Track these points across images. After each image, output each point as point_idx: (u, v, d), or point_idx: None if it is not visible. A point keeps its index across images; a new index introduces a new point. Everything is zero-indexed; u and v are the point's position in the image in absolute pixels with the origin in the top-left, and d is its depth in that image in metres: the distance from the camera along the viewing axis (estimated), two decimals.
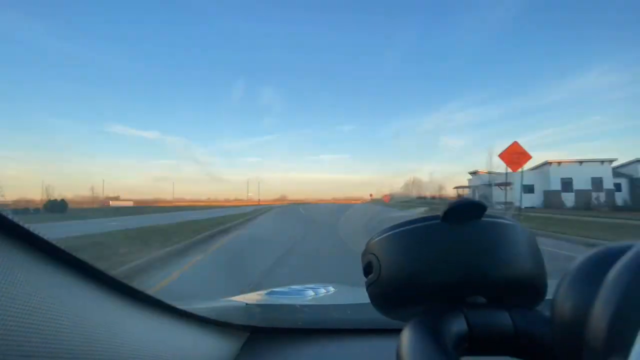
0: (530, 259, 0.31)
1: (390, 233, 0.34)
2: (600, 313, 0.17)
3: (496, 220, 0.32)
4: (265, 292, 1.00)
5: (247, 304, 0.73)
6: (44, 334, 0.25)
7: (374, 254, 0.34)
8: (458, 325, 0.27)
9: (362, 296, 0.76)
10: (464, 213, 0.31)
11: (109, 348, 0.32)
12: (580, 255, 0.23)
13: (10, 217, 0.25)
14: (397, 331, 0.28)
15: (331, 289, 1.03)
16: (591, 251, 0.22)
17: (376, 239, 0.35)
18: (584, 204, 23.59)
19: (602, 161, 25.33)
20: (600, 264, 0.20)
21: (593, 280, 0.20)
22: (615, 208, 22.06)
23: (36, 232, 0.27)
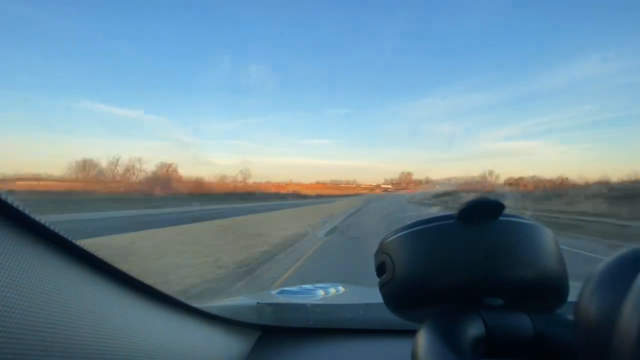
0: (550, 260, 0.30)
1: (404, 233, 0.33)
2: (629, 317, 0.17)
3: (515, 219, 0.31)
4: (276, 291, 1.00)
5: (258, 302, 0.74)
6: (62, 331, 0.26)
7: (388, 254, 0.33)
8: (475, 328, 0.26)
9: (372, 296, 0.76)
10: (481, 212, 0.30)
11: (125, 345, 0.32)
12: (607, 257, 0.22)
13: (27, 212, 0.25)
14: (411, 332, 0.27)
15: (341, 288, 1.02)
16: (618, 253, 0.21)
17: (390, 239, 0.34)
18: None
19: None
20: (629, 266, 0.20)
21: (621, 283, 0.19)
22: None
23: (56, 229, 0.28)
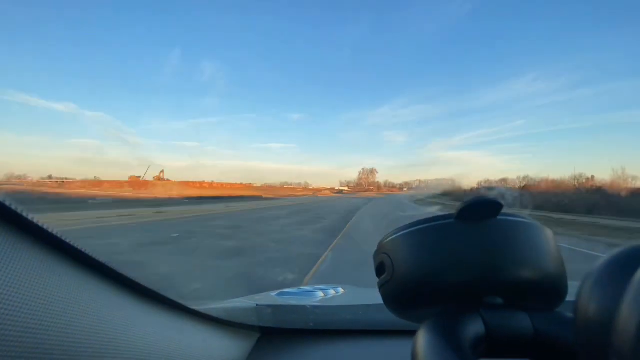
0: (549, 258, 0.30)
1: (403, 232, 0.33)
2: (628, 315, 0.17)
3: (514, 218, 0.31)
4: (275, 293, 1.00)
5: (257, 304, 0.73)
6: (61, 333, 0.26)
7: (387, 254, 0.33)
8: (475, 327, 0.26)
9: (372, 297, 0.76)
10: (480, 211, 0.30)
11: (124, 347, 0.32)
12: (605, 255, 0.22)
13: (30, 217, 0.25)
14: (411, 332, 0.27)
15: (340, 290, 1.02)
16: (616, 251, 0.21)
17: (389, 239, 0.34)
18: None
19: None
20: (627, 263, 0.20)
21: (619, 281, 0.19)
22: None
23: (54, 231, 0.27)
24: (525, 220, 0.31)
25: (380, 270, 0.34)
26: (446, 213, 0.32)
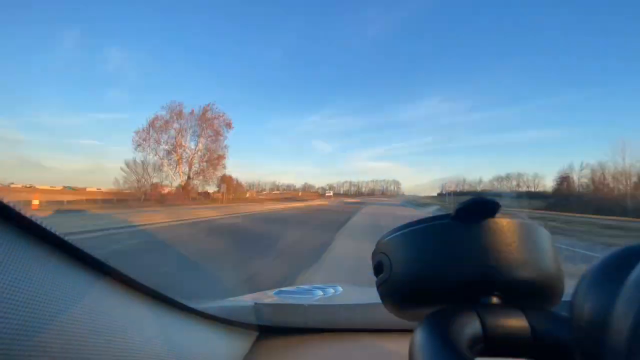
0: (546, 258, 0.31)
1: (401, 232, 0.33)
2: (622, 314, 0.17)
3: (511, 219, 0.31)
4: (273, 291, 1.00)
5: (256, 303, 0.73)
6: (60, 332, 0.26)
7: (385, 254, 0.34)
8: (472, 326, 0.27)
9: (371, 296, 0.76)
10: (478, 211, 0.30)
11: (122, 345, 0.32)
12: (600, 255, 0.22)
13: (23, 211, 0.25)
14: (409, 331, 0.27)
15: (339, 288, 1.03)
16: (611, 251, 0.22)
17: (387, 238, 0.34)
18: None
19: None
20: (622, 264, 0.20)
21: (614, 281, 0.19)
22: None
23: (52, 229, 0.27)
24: (523, 221, 0.31)
25: (378, 269, 0.34)
26: (444, 213, 0.32)
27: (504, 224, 0.30)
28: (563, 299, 0.31)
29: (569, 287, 0.30)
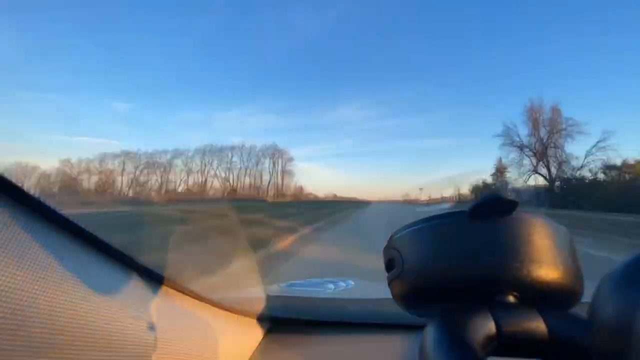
0: (565, 258, 0.30)
1: (413, 228, 0.33)
2: None
3: (528, 216, 0.30)
4: (285, 284, 1.01)
5: (268, 295, 0.75)
6: (75, 315, 0.27)
7: (397, 250, 0.33)
8: (485, 325, 0.26)
9: (382, 291, 0.76)
10: (493, 209, 0.29)
11: (137, 333, 0.33)
12: (624, 257, 0.21)
13: (43, 200, 0.26)
14: (420, 328, 0.27)
15: (351, 282, 1.03)
16: (636, 254, 0.21)
17: (399, 234, 0.34)
18: None
19: None
20: None
21: (639, 285, 0.18)
22: None
23: (76, 220, 0.29)
24: (541, 219, 0.30)
25: (389, 265, 0.34)
26: (457, 210, 0.31)
27: (521, 222, 0.29)
28: (582, 300, 0.30)
29: (587, 289, 0.29)
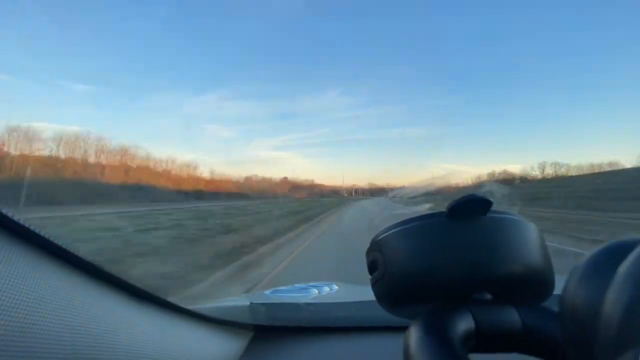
0: (536, 254, 0.31)
1: (394, 230, 0.33)
2: (611, 308, 0.17)
3: (502, 216, 0.31)
4: (269, 291, 1.00)
5: (251, 302, 0.73)
6: (49, 333, 0.25)
7: (379, 252, 0.34)
8: (465, 323, 0.27)
9: (366, 294, 0.76)
10: (469, 209, 0.31)
11: (113, 346, 0.32)
12: (590, 249, 0.22)
13: (13, 216, 0.25)
14: (404, 329, 0.28)
15: (335, 287, 1.03)
16: (601, 245, 0.22)
17: (381, 237, 0.34)
18: None
19: None
20: (611, 258, 0.20)
21: (604, 275, 0.19)
22: None
23: (43, 233, 0.27)
24: (513, 217, 0.32)
25: (372, 267, 0.35)
26: (437, 211, 0.32)
27: (495, 221, 0.31)
28: (554, 293, 0.32)
29: (559, 282, 0.31)
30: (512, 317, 0.28)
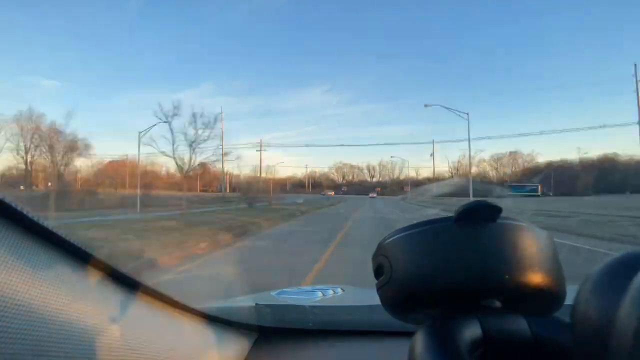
0: (548, 262, 0.30)
1: (401, 235, 0.33)
2: (626, 320, 0.17)
3: (512, 222, 0.31)
4: (274, 292, 1.00)
5: (256, 304, 0.73)
6: (56, 331, 0.26)
7: (385, 256, 0.33)
8: (472, 330, 0.26)
9: (371, 298, 0.76)
10: (478, 215, 0.30)
11: (120, 345, 0.32)
12: (604, 260, 0.22)
13: (26, 212, 0.25)
14: (409, 334, 0.27)
15: (340, 290, 1.02)
16: (615, 256, 0.22)
17: (387, 241, 0.34)
18: None
19: None
20: (626, 269, 0.20)
21: (618, 286, 0.19)
22: None
23: (54, 229, 0.28)
24: (524, 224, 0.31)
25: (378, 272, 0.34)
26: (445, 216, 0.32)
27: (505, 228, 0.30)
28: (565, 303, 0.31)
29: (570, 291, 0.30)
30: (521, 326, 0.27)
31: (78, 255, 0.31)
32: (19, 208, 0.24)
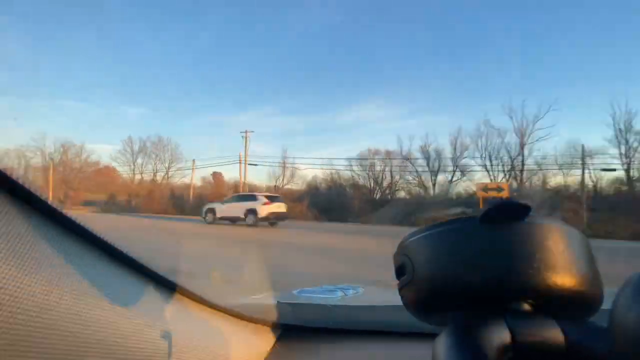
0: (581, 263, 0.29)
1: (424, 234, 0.32)
2: None
3: (543, 222, 0.29)
4: (296, 290, 1.01)
5: (278, 301, 0.74)
6: (84, 321, 0.27)
7: (407, 255, 0.33)
8: (500, 334, 0.25)
9: (392, 298, 0.75)
10: (506, 214, 0.29)
11: (150, 340, 0.34)
12: None
13: (54, 205, 0.26)
14: (432, 336, 0.27)
15: (360, 289, 1.02)
16: None
17: (409, 240, 0.33)
18: None
19: None
20: None
21: None
22: None
23: (91, 228, 0.29)
24: (555, 223, 0.29)
25: (400, 271, 0.34)
26: (470, 215, 0.31)
27: (534, 227, 0.29)
28: (602, 308, 0.29)
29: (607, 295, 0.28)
30: (554, 331, 0.26)
31: (109, 253, 0.32)
32: (58, 207, 0.26)
